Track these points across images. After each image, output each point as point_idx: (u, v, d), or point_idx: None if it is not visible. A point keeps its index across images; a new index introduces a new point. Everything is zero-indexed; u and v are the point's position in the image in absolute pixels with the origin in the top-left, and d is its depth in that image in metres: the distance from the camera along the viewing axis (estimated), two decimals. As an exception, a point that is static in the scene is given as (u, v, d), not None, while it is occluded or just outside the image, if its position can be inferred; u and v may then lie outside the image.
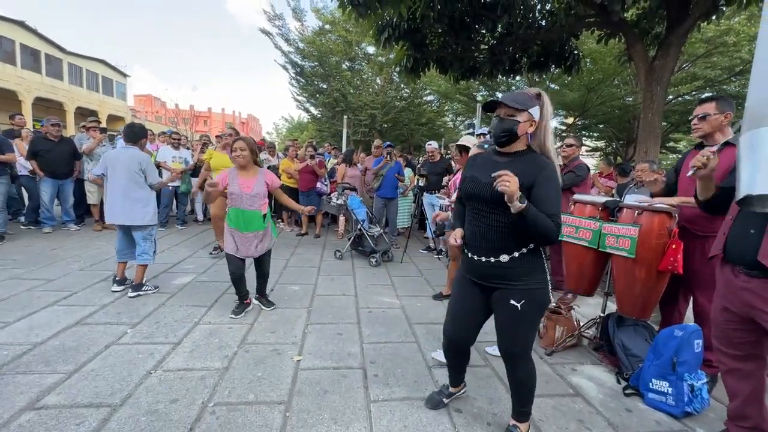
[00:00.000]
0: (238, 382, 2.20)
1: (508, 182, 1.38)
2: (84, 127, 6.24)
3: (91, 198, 5.95)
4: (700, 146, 2.44)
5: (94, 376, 2.17)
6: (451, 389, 2.10)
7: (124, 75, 29.71)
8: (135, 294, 3.40)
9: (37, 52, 21.49)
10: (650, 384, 2.19)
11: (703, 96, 2.56)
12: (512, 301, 1.61)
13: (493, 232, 1.60)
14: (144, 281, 3.52)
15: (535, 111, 1.58)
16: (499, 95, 16.20)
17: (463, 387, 2.15)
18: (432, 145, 5.99)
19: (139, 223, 3.40)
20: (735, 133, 2.32)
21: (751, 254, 1.58)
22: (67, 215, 5.87)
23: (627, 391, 2.31)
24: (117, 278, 3.52)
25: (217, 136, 6.90)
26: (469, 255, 1.71)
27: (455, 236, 1.74)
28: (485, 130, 4.69)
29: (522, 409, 1.81)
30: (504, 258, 1.59)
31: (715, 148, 1.90)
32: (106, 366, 2.28)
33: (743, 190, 1.53)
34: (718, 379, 2.44)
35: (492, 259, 1.62)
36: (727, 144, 2.26)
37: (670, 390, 2.11)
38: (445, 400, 2.07)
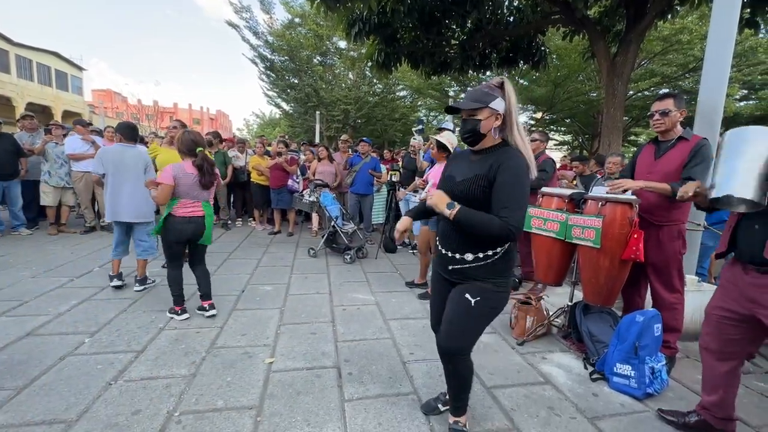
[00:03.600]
0: (207, 388, 2.12)
1: (431, 195, 1.54)
2: (18, 122, 5.84)
3: (46, 199, 5.49)
4: (655, 141, 2.57)
5: (47, 390, 2.02)
6: (448, 396, 1.93)
7: (80, 68, 27.94)
8: (142, 288, 3.53)
9: (-21, 43, 19.86)
10: (615, 368, 2.28)
11: (661, 93, 2.67)
12: (467, 295, 1.57)
13: (460, 230, 1.57)
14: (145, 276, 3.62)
15: (497, 103, 1.52)
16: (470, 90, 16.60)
17: None
18: (418, 139, 5.94)
19: (145, 220, 3.54)
20: (685, 129, 2.47)
21: (757, 250, 1.59)
22: (16, 218, 5.46)
23: (593, 376, 2.39)
24: (114, 274, 3.57)
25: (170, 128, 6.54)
26: (440, 248, 1.70)
27: (399, 226, 1.90)
28: (449, 125, 4.72)
29: (458, 404, 1.80)
30: (468, 256, 1.57)
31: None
32: (60, 379, 2.13)
33: (717, 190, 1.55)
34: (675, 360, 2.59)
35: (458, 256, 1.60)
36: (680, 138, 2.41)
37: (632, 373, 2.21)
38: (441, 407, 1.97)
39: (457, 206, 1.49)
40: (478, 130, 1.54)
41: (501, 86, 1.55)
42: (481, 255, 1.55)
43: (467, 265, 1.58)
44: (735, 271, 1.74)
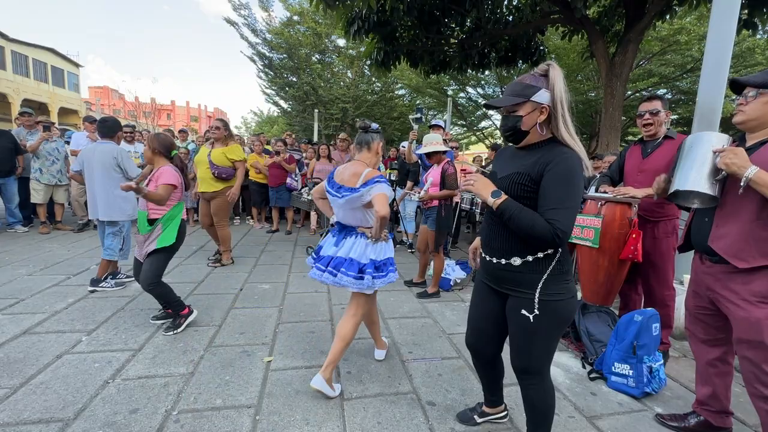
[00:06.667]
0: (205, 387, 2.11)
1: (473, 181, 1.36)
2: (17, 119, 5.79)
3: (36, 197, 5.43)
4: (641, 141, 2.62)
5: (44, 389, 2.01)
6: (484, 408, 1.89)
7: (77, 65, 27.74)
8: (92, 288, 3.40)
9: (-26, 39, 19.66)
10: (613, 367, 2.28)
11: (647, 95, 2.79)
12: (524, 311, 1.40)
13: (504, 230, 1.42)
14: (104, 276, 3.48)
15: (540, 96, 1.34)
16: (470, 90, 16.11)
17: (502, 411, 1.89)
18: (405, 146, 6.05)
19: (115, 219, 3.42)
20: (669, 128, 2.56)
21: (706, 241, 1.70)
22: (12, 216, 5.42)
23: (591, 376, 2.40)
24: (94, 278, 3.48)
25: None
26: (484, 255, 1.55)
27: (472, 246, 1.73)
28: (440, 122, 4.73)
29: None
30: (516, 261, 1.40)
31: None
32: (57, 378, 2.11)
33: (675, 185, 1.71)
34: (669, 356, 2.61)
35: (503, 261, 1.43)
36: (666, 137, 2.49)
37: (630, 372, 2.21)
38: (477, 419, 1.87)
39: (504, 195, 1.34)
40: (519, 128, 1.38)
41: (546, 74, 1.36)
42: (530, 258, 1.38)
43: (516, 272, 1.42)
44: (696, 261, 1.85)
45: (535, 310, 1.38)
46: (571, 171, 1.30)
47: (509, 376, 2.35)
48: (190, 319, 2.79)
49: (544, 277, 1.38)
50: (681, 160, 1.73)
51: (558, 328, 1.44)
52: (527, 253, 1.39)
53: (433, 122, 4.74)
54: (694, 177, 1.63)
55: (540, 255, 1.38)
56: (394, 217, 5.82)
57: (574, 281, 1.47)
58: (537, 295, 1.38)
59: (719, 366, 1.86)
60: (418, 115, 4.77)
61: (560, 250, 1.40)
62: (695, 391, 2.00)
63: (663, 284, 2.55)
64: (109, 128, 3.45)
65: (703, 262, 1.78)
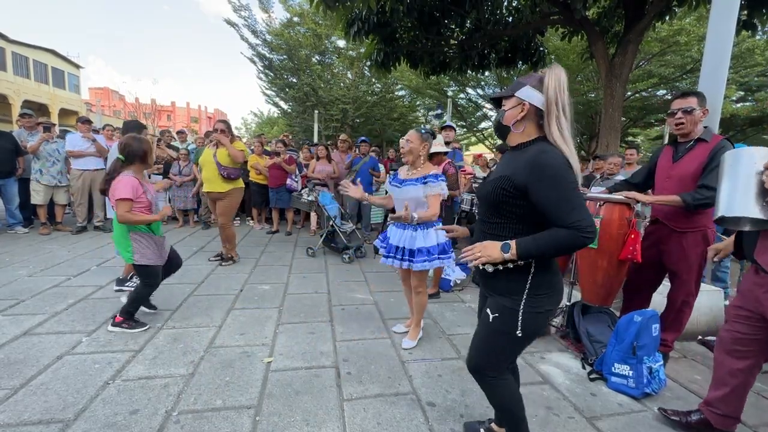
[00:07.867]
0: (205, 388, 2.11)
1: (477, 256, 1.32)
2: (17, 121, 5.81)
3: (36, 198, 5.43)
4: (674, 143, 2.45)
5: (44, 390, 2.01)
6: (493, 426, 1.80)
7: (77, 66, 27.77)
8: (118, 288, 3.42)
9: (-26, 40, 19.68)
10: (613, 368, 2.29)
11: (683, 91, 2.55)
12: (488, 309, 1.44)
13: (483, 237, 1.45)
14: (129, 276, 3.49)
15: (525, 92, 1.34)
16: (470, 90, 16.09)
17: None
18: None
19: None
20: (705, 129, 2.36)
21: (752, 252, 1.66)
22: (12, 217, 5.43)
23: (591, 376, 2.40)
24: (120, 277, 3.51)
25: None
26: None
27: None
28: (452, 123, 4.75)
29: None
30: (489, 268, 1.39)
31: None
32: (57, 378, 2.12)
33: (721, 210, 1.58)
34: (669, 357, 2.60)
35: (480, 267, 1.41)
36: (699, 140, 2.31)
37: (630, 373, 2.22)
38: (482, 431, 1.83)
39: (512, 243, 1.29)
40: (500, 121, 1.42)
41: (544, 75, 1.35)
42: (501, 267, 1.37)
43: (490, 278, 1.44)
44: (750, 273, 1.79)
45: (497, 312, 1.41)
46: (550, 167, 1.24)
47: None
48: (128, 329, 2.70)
49: (515, 286, 1.38)
50: (723, 181, 1.60)
51: (508, 339, 1.40)
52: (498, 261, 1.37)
53: (447, 124, 4.77)
54: (741, 200, 1.52)
55: (510, 265, 1.35)
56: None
57: (555, 300, 1.41)
58: (503, 299, 1.40)
59: (740, 376, 1.81)
60: (439, 111, 4.82)
61: (534, 264, 1.36)
62: (707, 392, 1.96)
63: (685, 292, 2.45)
64: (125, 129, 3.64)
65: (757, 273, 1.71)
